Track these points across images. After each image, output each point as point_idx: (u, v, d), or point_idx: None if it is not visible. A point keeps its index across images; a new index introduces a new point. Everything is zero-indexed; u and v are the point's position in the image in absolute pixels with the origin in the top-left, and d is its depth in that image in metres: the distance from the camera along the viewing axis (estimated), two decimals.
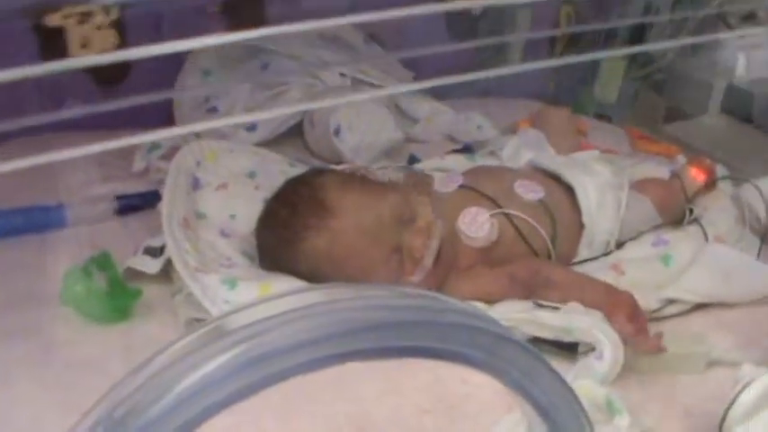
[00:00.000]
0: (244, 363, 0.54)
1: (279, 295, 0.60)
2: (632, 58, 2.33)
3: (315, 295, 0.61)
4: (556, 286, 1.23)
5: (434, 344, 0.61)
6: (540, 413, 0.68)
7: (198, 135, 1.62)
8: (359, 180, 1.32)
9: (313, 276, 1.22)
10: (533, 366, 0.66)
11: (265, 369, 0.54)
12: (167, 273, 1.29)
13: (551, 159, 1.53)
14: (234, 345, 0.55)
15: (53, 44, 1.67)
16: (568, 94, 2.37)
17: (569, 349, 1.16)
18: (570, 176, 1.42)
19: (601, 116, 2.31)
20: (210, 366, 0.53)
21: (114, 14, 1.71)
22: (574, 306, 1.19)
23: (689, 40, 1.90)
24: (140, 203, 1.52)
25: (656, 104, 2.37)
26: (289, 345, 0.55)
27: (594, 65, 2.30)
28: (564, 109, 1.82)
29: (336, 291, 0.63)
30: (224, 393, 0.53)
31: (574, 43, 2.31)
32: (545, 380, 0.67)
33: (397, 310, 0.61)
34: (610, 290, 1.23)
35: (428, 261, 1.24)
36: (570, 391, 0.70)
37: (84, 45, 1.69)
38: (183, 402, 0.53)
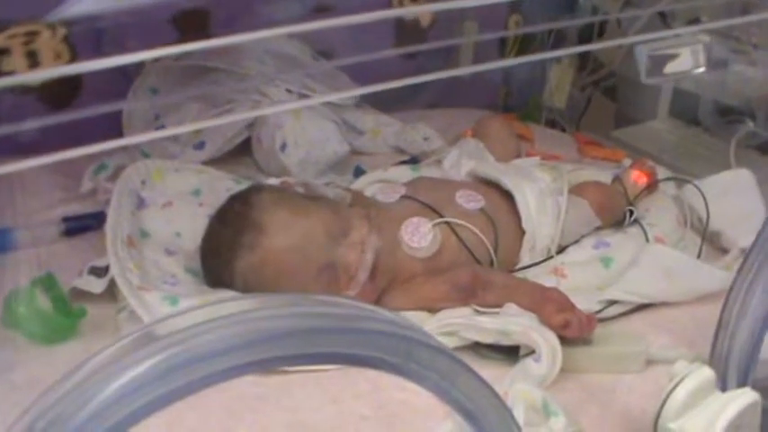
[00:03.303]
0: (165, 370, 0.55)
1: (204, 305, 0.61)
2: (581, 65, 2.36)
3: (241, 304, 0.62)
4: (493, 289, 1.25)
5: (353, 350, 0.62)
6: (463, 416, 0.69)
7: (146, 155, 1.63)
8: (292, 196, 1.33)
9: (250, 293, 1.23)
10: (453, 370, 0.67)
11: (188, 375, 0.55)
12: (113, 293, 1.29)
13: (491, 167, 1.54)
14: (154, 353, 0.55)
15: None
16: (519, 104, 2.38)
17: (511, 353, 1.17)
18: (509, 183, 1.44)
19: (553, 123, 2.34)
20: (129, 375, 0.54)
21: (61, 34, 1.70)
22: (509, 308, 1.20)
23: (628, 40, 1.91)
24: (88, 225, 1.51)
25: (607, 110, 2.40)
26: (211, 351, 0.56)
27: (543, 73, 2.32)
28: (503, 117, 1.84)
29: (261, 300, 0.64)
30: (147, 400, 0.54)
31: (522, 54, 2.32)
32: (466, 383, 0.68)
33: (315, 318, 0.62)
34: (539, 288, 1.25)
35: (362, 275, 1.25)
36: (494, 393, 0.71)
37: (32, 66, 1.68)
38: (103, 411, 0.53)
